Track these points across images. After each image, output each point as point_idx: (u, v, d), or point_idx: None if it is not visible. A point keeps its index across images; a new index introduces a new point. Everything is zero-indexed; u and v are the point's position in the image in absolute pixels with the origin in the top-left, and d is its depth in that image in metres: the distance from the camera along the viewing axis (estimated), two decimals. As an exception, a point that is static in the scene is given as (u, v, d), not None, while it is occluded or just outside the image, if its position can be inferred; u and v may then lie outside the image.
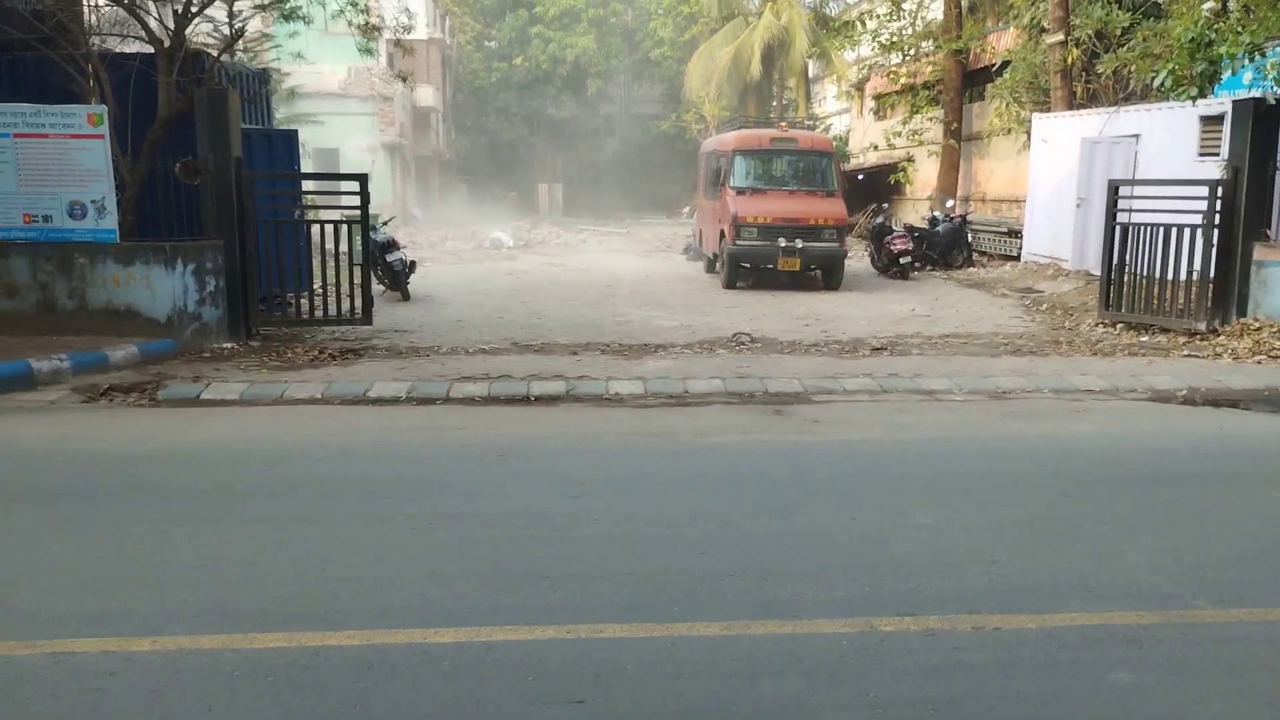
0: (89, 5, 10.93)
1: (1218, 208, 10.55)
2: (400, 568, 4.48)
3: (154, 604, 4.07)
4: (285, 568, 4.48)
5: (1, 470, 6.10)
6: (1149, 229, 10.89)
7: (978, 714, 3.32)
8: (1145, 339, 10.69)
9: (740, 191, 16.01)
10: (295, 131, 13.16)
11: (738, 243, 15.51)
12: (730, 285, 15.96)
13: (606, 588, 4.27)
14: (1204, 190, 10.67)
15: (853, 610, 4.06)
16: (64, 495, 5.55)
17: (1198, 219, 10.60)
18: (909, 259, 17.52)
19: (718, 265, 16.87)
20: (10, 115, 9.42)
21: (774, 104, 33.81)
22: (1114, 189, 11.31)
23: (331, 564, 4.51)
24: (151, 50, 10.23)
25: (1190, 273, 10.67)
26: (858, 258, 19.63)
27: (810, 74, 35.86)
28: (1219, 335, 10.44)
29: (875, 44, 25.77)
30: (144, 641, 3.73)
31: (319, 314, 10.95)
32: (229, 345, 9.77)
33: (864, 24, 25.86)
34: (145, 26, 10.33)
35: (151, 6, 10.81)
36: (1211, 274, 10.59)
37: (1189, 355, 9.85)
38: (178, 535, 4.85)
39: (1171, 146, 13.77)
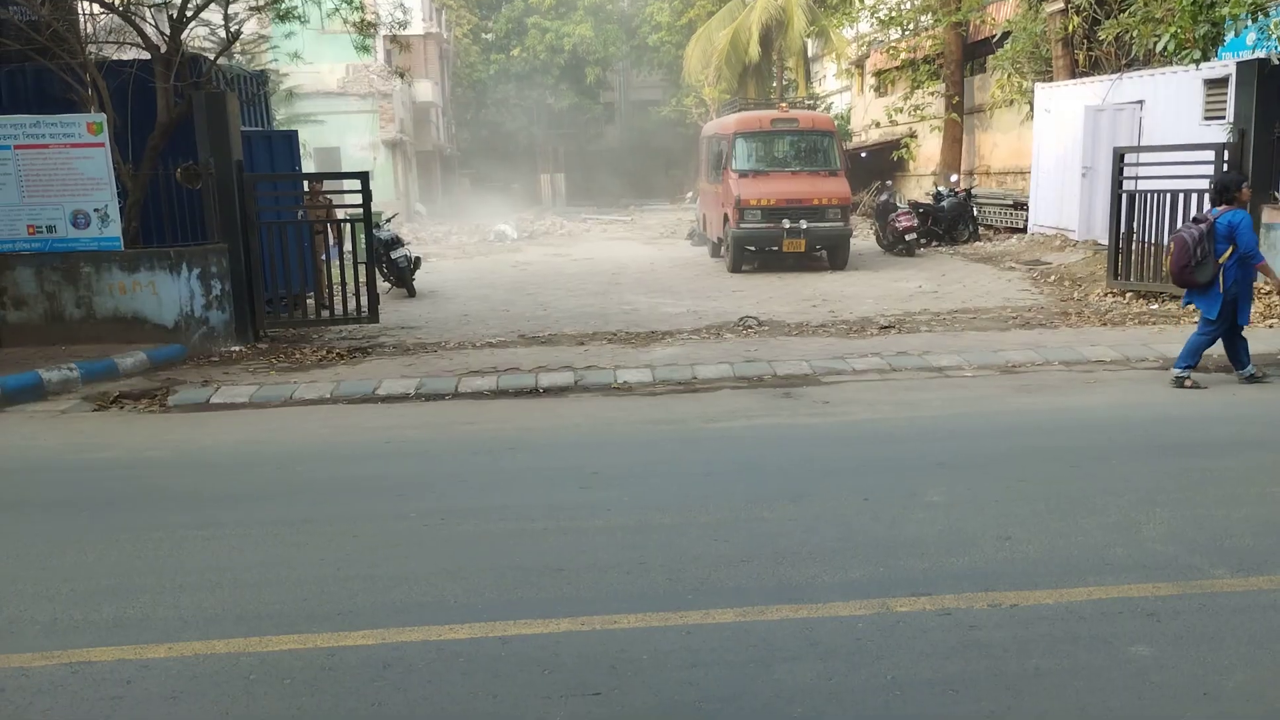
0: (84, 14, 10.93)
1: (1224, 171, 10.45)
2: (414, 565, 4.48)
3: (170, 610, 4.08)
4: (300, 569, 4.48)
5: (16, 481, 6.13)
6: (1156, 195, 10.80)
7: (996, 693, 3.31)
8: (1155, 307, 10.62)
9: (742, 174, 15.94)
10: (295, 132, 13.14)
11: (742, 226, 15.44)
12: (735, 269, 15.91)
13: (620, 578, 4.27)
14: (1210, 154, 10.58)
15: (868, 592, 4.05)
16: (79, 504, 5.57)
17: (1205, 184, 10.50)
18: (914, 235, 17.43)
19: (722, 249, 16.82)
20: (10, 127, 9.45)
21: (774, 85, 33.58)
22: (1119, 156, 11.22)
23: (346, 564, 4.52)
24: (148, 57, 10.23)
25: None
26: (863, 236, 19.54)
27: (809, 53, 35.55)
28: (1230, 301, 10.34)
29: (874, 20, 25.52)
30: (160, 648, 3.75)
31: (325, 314, 10.96)
32: (237, 348, 9.78)
33: (862, 0, 25.62)
34: (141, 33, 10.33)
35: (147, 13, 10.80)
36: (1220, 239, 10.49)
37: (1200, 322, 9.75)
38: (192, 540, 4.87)
39: (1176, 112, 13.63)
